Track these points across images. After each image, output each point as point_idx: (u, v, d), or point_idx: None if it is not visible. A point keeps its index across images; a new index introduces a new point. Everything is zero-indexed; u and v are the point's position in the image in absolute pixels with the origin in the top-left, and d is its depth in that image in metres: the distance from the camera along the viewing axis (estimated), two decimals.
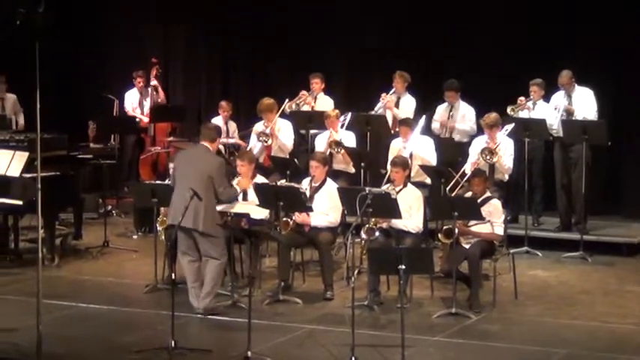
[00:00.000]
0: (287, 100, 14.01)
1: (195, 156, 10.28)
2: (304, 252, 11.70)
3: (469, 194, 10.98)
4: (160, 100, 16.41)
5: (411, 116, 13.67)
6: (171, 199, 10.16)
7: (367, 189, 10.37)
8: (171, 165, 11.67)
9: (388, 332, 9.53)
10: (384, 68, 14.52)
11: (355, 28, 15.79)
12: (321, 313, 10.43)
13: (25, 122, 15.66)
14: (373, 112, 14.02)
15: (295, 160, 13.28)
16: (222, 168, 10.33)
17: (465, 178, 11.76)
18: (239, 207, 10.74)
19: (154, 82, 16.29)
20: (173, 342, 8.89)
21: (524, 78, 13.75)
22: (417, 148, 12.74)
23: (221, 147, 13.67)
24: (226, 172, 10.70)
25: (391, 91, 14.13)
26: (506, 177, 12.62)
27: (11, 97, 15.95)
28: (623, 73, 14.04)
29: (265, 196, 10.82)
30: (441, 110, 13.92)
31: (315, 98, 14.49)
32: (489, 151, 12.33)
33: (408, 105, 14.12)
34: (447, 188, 11.97)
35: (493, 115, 12.52)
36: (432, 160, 12.78)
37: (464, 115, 13.78)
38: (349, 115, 13.50)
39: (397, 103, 14.14)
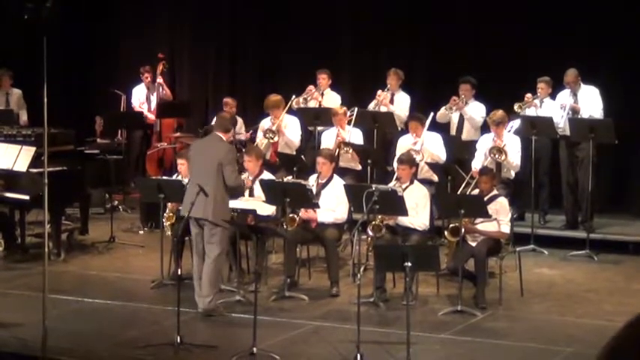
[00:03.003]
0: (294, 97, 14.01)
1: (207, 146, 10.21)
2: (310, 248, 11.70)
3: (476, 192, 10.99)
4: (165, 97, 16.41)
5: (407, 113, 13.69)
6: (186, 191, 10.07)
7: (374, 186, 10.38)
8: (179, 160, 11.69)
9: (394, 329, 9.52)
10: (391, 65, 14.49)
11: (363, 24, 15.78)
12: (327, 309, 10.43)
13: (28, 118, 15.64)
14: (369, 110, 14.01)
15: (302, 156, 13.27)
16: (232, 153, 10.29)
17: (475, 180, 11.76)
18: (245, 203, 10.73)
19: (159, 80, 16.27)
20: (179, 338, 8.90)
21: (529, 76, 13.74)
22: (427, 144, 12.70)
23: None
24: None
25: (386, 88, 14.13)
26: (513, 174, 12.61)
27: (17, 92, 15.94)
28: (629, 71, 14.00)
29: (272, 192, 10.82)
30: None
31: (322, 94, 14.48)
32: (498, 150, 12.31)
33: (402, 102, 14.10)
34: (461, 187, 11.93)
35: (499, 113, 12.50)
36: (442, 155, 12.70)
37: (473, 111, 13.71)
38: (355, 110, 13.45)
39: (391, 100, 14.13)
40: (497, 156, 12.31)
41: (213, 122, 12.17)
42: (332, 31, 16.02)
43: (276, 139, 13.46)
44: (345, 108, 13.38)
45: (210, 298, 9.96)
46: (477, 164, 12.27)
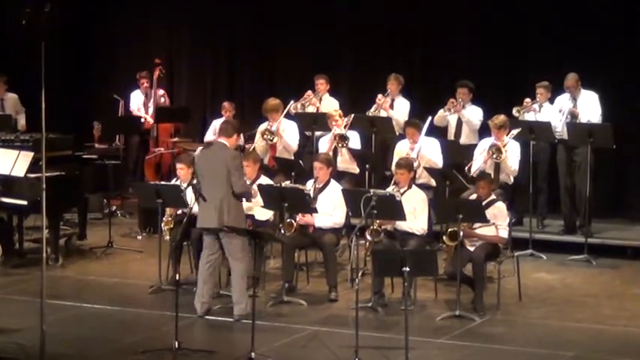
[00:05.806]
0: (292, 102, 13.99)
1: (212, 155, 10.21)
2: (308, 253, 11.68)
3: (474, 196, 10.98)
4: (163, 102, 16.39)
5: (406, 119, 13.67)
6: (200, 205, 10.03)
7: (372, 191, 10.38)
8: (178, 165, 11.65)
9: (392, 334, 9.53)
10: (390, 70, 14.49)
11: (361, 29, 15.77)
12: (325, 314, 10.43)
13: (26, 122, 15.60)
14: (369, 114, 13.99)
15: (300, 161, 13.26)
16: (237, 159, 10.23)
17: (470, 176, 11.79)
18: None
19: (160, 92, 16.24)
20: (177, 343, 8.90)
21: (528, 81, 13.75)
22: (424, 150, 12.69)
23: None
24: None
25: (386, 93, 14.12)
26: (511, 179, 12.59)
27: (12, 97, 15.89)
28: (628, 76, 14.01)
29: (270, 197, 10.83)
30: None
31: (321, 99, 14.47)
32: (497, 149, 12.28)
33: (402, 107, 14.09)
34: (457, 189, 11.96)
35: (502, 117, 12.47)
36: (439, 161, 12.69)
37: (470, 114, 13.71)
38: (352, 117, 13.40)
39: (391, 105, 14.12)
40: (495, 155, 12.28)
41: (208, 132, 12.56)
42: (331, 35, 16.00)
43: (274, 140, 13.41)
44: (339, 111, 13.37)
45: (244, 304, 9.96)
46: (475, 170, 12.25)
